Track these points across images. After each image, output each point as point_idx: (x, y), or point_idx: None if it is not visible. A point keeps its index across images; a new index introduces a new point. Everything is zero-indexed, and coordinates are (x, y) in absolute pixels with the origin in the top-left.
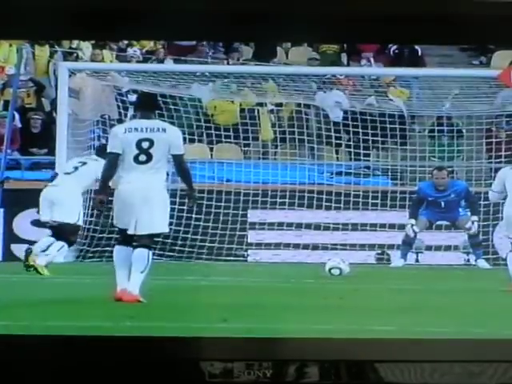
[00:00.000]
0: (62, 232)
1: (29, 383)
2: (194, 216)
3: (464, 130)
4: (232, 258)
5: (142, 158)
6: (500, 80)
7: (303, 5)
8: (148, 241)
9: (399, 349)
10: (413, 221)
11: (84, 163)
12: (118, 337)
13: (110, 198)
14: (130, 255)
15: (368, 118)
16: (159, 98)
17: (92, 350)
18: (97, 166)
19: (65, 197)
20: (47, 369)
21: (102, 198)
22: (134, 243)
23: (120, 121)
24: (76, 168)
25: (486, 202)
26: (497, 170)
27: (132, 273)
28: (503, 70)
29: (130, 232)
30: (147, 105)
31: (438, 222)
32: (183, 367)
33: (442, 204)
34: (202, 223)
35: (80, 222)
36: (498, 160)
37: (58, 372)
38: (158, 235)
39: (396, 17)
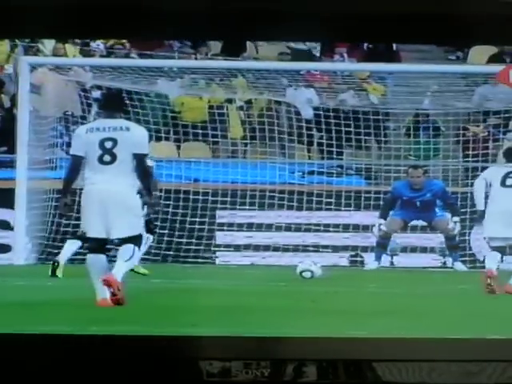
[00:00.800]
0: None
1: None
2: (160, 217)
3: (443, 128)
4: (200, 260)
5: (107, 158)
6: (498, 80)
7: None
8: (131, 241)
9: (398, 348)
10: (381, 220)
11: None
12: (117, 336)
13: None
14: (105, 263)
15: (341, 115)
16: (124, 95)
17: (91, 347)
18: None
19: None
20: (42, 367)
21: (66, 200)
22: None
23: (83, 117)
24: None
25: (463, 203)
26: (474, 169)
27: (117, 260)
28: (502, 69)
29: (101, 236)
30: (112, 104)
31: (414, 222)
32: (181, 366)
33: (418, 204)
34: (168, 224)
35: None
36: (475, 159)
37: (55, 370)
38: (135, 237)
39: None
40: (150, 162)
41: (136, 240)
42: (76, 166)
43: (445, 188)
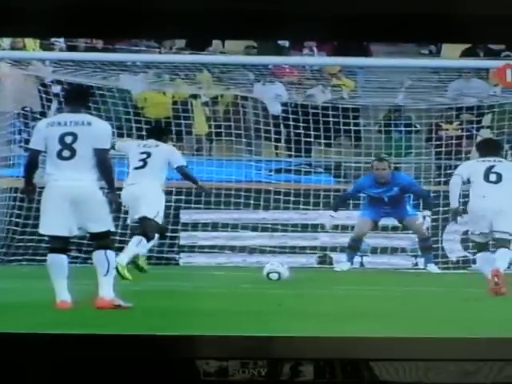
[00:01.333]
0: (141, 227)
1: None
2: (121, 216)
3: (418, 125)
4: (163, 262)
5: (66, 153)
6: (495, 78)
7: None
8: (101, 241)
9: (394, 347)
10: (332, 212)
11: (148, 154)
12: (113, 335)
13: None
14: (65, 263)
15: (310, 110)
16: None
17: (90, 347)
18: (161, 151)
19: (147, 192)
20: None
21: (31, 187)
22: (93, 245)
23: (43, 113)
24: (144, 161)
25: (435, 202)
26: (446, 167)
27: (98, 277)
28: (498, 68)
29: (64, 235)
30: (76, 98)
31: (384, 221)
32: (178, 365)
33: (386, 199)
34: (130, 224)
35: (158, 219)
36: (448, 156)
37: (55, 369)
38: (102, 235)
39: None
40: (182, 161)
41: (104, 239)
42: (33, 160)
43: (413, 181)
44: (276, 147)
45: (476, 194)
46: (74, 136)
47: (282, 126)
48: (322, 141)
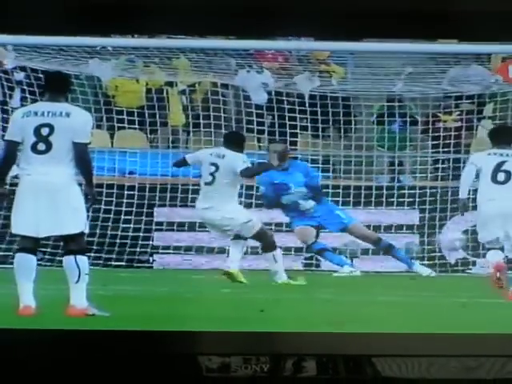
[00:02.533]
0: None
1: None
2: (90, 215)
3: (418, 117)
4: (135, 264)
5: (41, 146)
6: (498, 74)
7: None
8: (72, 245)
9: (397, 343)
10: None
11: (216, 167)
12: (115, 331)
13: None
14: (34, 264)
15: (295, 100)
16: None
17: (91, 343)
18: (227, 163)
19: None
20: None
21: (1, 191)
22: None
23: (4, 102)
24: (213, 176)
25: (432, 199)
26: (444, 161)
27: (69, 284)
28: (500, 64)
29: (31, 235)
30: (57, 86)
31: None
32: (181, 362)
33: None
34: (99, 223)
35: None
36: (446, 149)
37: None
38: (74, 237)
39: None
40: (247, 163)
41: (76, 242)
42: (9, 152)
43: (313, 170)
44: (258, 139)
45: (484, 197)
46: (51, 128)
47: (265, 116)
48: (309, 132)
